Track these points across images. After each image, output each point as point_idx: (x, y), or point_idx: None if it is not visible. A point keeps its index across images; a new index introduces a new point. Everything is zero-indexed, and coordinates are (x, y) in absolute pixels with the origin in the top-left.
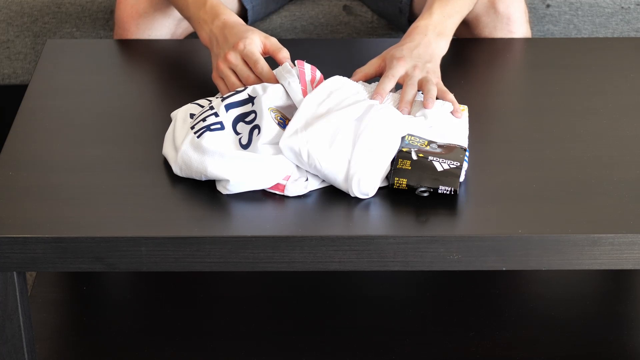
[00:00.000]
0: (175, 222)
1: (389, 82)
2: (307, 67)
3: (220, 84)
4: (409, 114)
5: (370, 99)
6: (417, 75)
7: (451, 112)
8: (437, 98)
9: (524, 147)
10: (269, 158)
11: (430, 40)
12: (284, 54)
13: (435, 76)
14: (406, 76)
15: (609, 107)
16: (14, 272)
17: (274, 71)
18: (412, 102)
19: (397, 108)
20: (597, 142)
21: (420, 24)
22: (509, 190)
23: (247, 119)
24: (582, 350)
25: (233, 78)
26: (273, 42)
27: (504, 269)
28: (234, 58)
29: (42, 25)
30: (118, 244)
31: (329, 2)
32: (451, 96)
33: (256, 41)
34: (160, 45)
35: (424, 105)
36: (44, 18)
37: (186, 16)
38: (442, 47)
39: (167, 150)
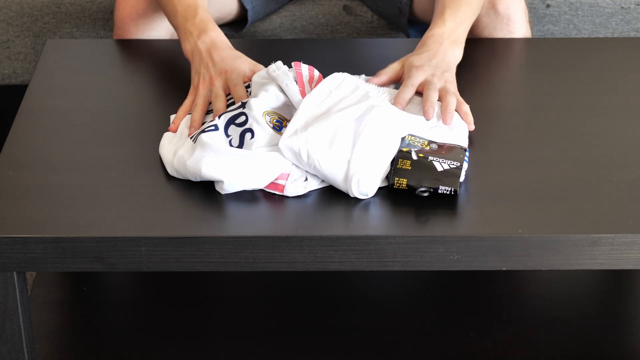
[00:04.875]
0: (175, 222)
1: (408, 91)
2: (304, 68)
3: (189, 100)
4: (432, 116)
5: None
6: (437, 83)
7: (466, 121)
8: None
9: (524, 147)
10: (262, 156)
11: (446, 49)
12: None
13: (453, 86)
14: (426, 82)
15: (609, 107)
16: (14, 272)
17: (268, 71)
18: (435, 104)
19: (423, 109)
20: (597, 142)
21: (435, 32)
22: (509, 190)
23: (238, 121)
24: (582, 350)
25: (202, 99)
26: (260, 69)
27: (504, 269)
28: (217, 82)
29: (42, 25)
30: (118, 244)
31: (329, 2)
32: (466, 107)
33: (243, 71)
34: (160, 45)
35: (442, 120)
36: (44, 18)
37: (173, 24)
38: (457, 55)
39: (164, 153)
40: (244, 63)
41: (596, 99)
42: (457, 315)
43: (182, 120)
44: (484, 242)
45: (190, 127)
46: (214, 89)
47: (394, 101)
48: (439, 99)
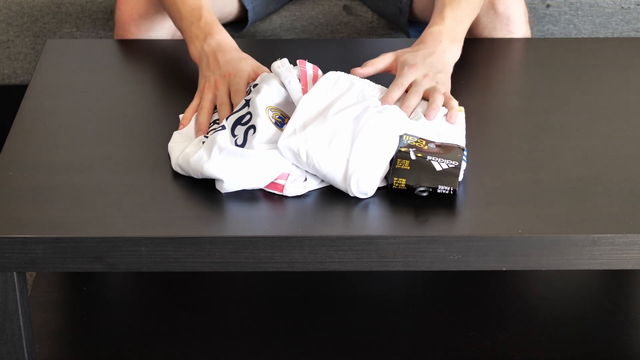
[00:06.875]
0: (175, 222)
1: (397, 91)
2: (309, 67)
3: (195, 102)
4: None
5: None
6: (425, 85)
7: (445, 115)
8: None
9: (524, 147)
10: (263, 155)
11: (444, 47)
12: None
13: (445, 87)
14: (414, 83)
15: (609, 107)
16: (14, 272)
17: (272, 66)
18: (414, 109)
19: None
20: (597, 142)
21: (434, 29)
22: (509, 190)
23: (243, 121)
24: (582, 350)
25: (208, 102)
26: (263, 71)
27: (504, 269)
28: (221, 86)
29: (42, 25)
30: (118, 244)
31: (329, 2)
32: (454, 103)
33: (247, 73)
34: (160, 46)
35: (425, 115)
36: (44, 18)
37: (179, 28)
38: (455, 54)
39: (172, 147)
40: (247, 65)
41: (596, 99)
42: (457, 315)
43: (189, 121)
44: (484, 242)
45: (197, 130)
46: (219, 94)
47: (382, 100)
48: (426, 97)
